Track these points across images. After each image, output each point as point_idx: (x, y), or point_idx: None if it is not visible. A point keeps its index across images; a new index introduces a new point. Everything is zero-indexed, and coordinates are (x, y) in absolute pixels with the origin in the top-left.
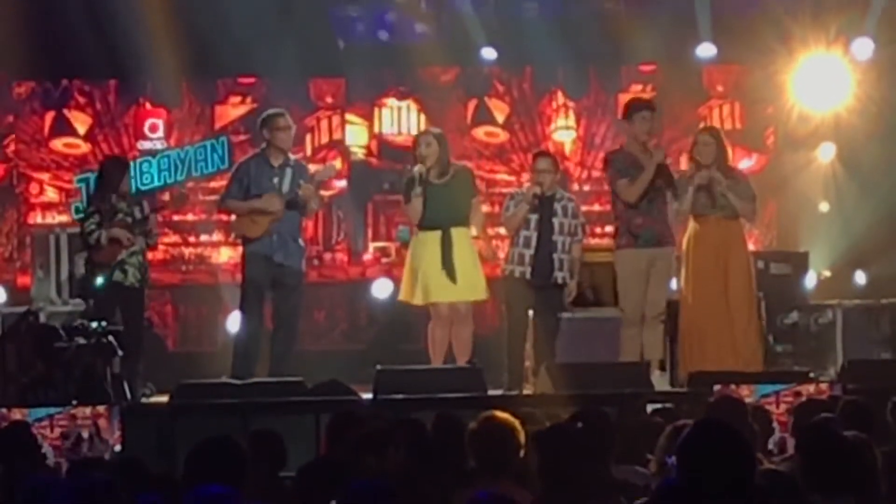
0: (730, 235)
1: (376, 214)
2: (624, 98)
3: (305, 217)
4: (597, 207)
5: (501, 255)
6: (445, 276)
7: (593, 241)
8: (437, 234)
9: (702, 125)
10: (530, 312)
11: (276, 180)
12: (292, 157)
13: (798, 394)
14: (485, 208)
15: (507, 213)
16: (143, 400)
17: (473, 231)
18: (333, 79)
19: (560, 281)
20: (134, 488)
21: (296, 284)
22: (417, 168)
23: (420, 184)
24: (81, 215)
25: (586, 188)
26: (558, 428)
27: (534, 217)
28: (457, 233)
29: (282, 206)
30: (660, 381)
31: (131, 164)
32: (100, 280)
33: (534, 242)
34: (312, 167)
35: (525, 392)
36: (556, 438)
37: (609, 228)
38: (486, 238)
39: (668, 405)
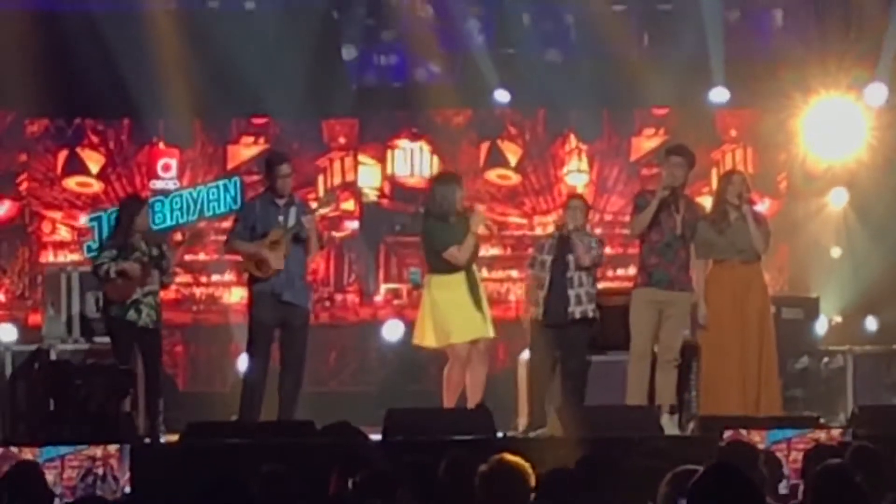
0: (748, 279)
1: (388, 256)
2: (637, 142)
3: (307, 255)
4: (608, 251)
5: (513, 297)
6: (470, 316)
7: (603, 285)
8: (461, 275)
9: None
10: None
11: (281, 218)
12: (295, 195)
13: (809, 439)
14: (496, 251)
15: (530, 269)
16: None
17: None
18: (346, 120)
19: (578, 316)
20: None
21: (303, 324)
22: (483, 214)
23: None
24: (95, 254)
25: (598, 231)
26: (564, 472)
27: (549, 258)
28: (475, 271)
29: (283, 255)
30: (669, 425)
31: (148, 201)
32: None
33: (546, 283)
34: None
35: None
36: (562, 482)
37: (620, 272)
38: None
39: None
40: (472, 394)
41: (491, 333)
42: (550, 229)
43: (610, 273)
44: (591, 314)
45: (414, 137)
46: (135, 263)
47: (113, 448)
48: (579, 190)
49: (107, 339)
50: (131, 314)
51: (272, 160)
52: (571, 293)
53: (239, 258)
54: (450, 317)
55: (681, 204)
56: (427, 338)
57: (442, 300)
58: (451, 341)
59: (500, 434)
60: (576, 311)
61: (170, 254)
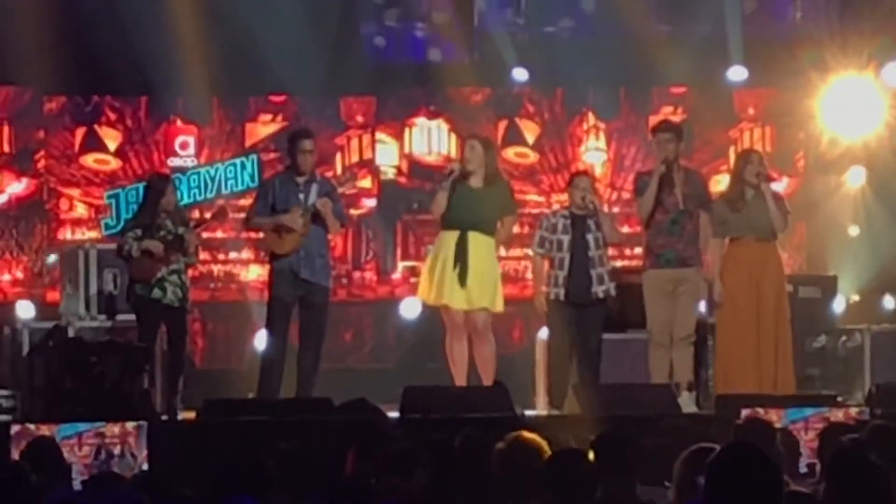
0: (764, 257)
1: (405, 234)
2: (654, 120)
3: (328, 233)
4: (626, 229)
5: (530, 275)
6: (444, 279)
7: (621, 263)
8: (452, 236)
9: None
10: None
11: (301, 196)
12: (318, 174)
13: (826, 418)
14: (514, 229)
15: (539, 249)
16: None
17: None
18: (364, 97)
19: (601, 295)
20: None
21: (322, 302)
22: (456, 166)
23: (450, 180)
24: (115, 230)
25: (616, 209)
26: (579, 450)
27: (566, 238)
28: (474, 238)
29: (303, 222)
30: (687, 403)
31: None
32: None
33: (566, 263)
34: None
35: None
36: (576, 460)
37: (638, 250)
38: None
39: None
40: (483, 374)
41: (480, 304)
42: (556, 207)
43: (627, 252)
44: (612, 292)
45: (431, 115)
46: (158, 242)
47: (130, 425)
48: (598, 169)
49: (129, 317)
50: (156, 292)
51: (295, 135)
52: (594, 273)
53: (257, 235)
54: (439, 273)
55: (678, 178)
56: (421, 290)
57: (435, 255)
58: (426, 297)
59: (517, 412)
60: (598, 290)
61: (188, 235)
